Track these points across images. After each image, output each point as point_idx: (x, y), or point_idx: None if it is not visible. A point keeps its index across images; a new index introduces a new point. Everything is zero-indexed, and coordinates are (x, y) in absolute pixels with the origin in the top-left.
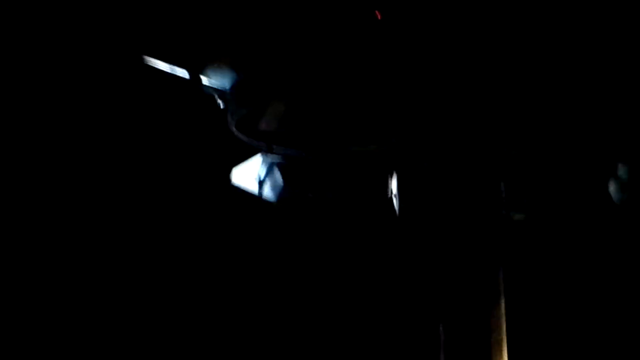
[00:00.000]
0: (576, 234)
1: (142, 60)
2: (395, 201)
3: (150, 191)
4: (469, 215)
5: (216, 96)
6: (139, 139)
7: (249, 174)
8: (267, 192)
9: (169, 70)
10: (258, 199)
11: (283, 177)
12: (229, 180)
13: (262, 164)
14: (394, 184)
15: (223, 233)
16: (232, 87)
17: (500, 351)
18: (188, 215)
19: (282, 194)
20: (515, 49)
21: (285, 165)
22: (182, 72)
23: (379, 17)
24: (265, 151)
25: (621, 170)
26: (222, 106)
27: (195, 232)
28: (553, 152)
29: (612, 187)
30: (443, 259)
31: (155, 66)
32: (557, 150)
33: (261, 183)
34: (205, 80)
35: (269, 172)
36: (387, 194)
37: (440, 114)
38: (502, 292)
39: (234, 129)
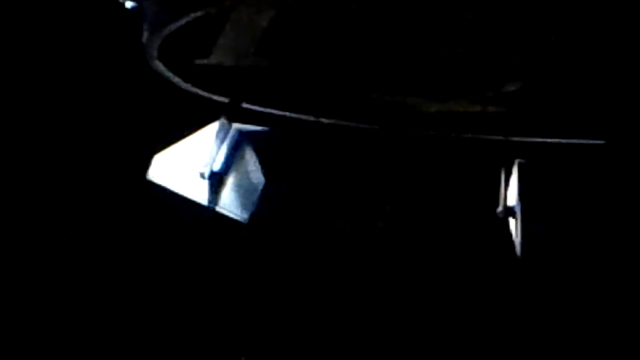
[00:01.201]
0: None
1: None
2: (513, 219)
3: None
4: None
5: None
6: None
7: (189, 162)
8: (228, 200)
9: None
10: (205, 210)
11: (264, 168)
12: (143, 172)
13: (216, 140)
14: (511, 188)
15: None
16: None
17: None
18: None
19: (260, 203)
20: None
21: (268, 144)
22: None
23: None
24: (225, 115)
25: None
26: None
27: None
28: None
29: None
30: None
31: None
32: None
33: (214, 179)
34: None
35: (232, 157)
36: (498, 208)
37: None
38: None
39: (154, 59)
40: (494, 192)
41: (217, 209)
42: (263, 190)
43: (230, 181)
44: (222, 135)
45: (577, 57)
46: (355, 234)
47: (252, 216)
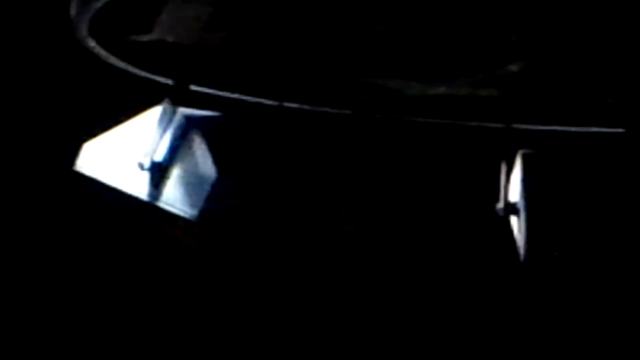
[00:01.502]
0: None
1: None
2: (515, 218)
3: None
4: None
5: None
6: None
7: (126, 151)
8: (173, 195)
9: None
10: (145, 206)
11: (215, 158)
12: (71, 162)
13: (158, 126)
14: (514, 182)
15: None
16: None
17: None
18: None
19: (209, 198)
20: None
21: (220, 131)
22: None
23: None
24: (169, 98)
25: None
26: None
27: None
28: None
29: None
30: None
31: None
32: None
33: (156, 171)
34: None
35: (177, 145)
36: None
37: None
38: None
39: (85, 35)
40: (493, 188)
41: (160, 204)
42: (213, 183)
43: (175, 173)
44: (165, 120)
45: (592, 28)
46: (321, 237)
47: (201, 213)
